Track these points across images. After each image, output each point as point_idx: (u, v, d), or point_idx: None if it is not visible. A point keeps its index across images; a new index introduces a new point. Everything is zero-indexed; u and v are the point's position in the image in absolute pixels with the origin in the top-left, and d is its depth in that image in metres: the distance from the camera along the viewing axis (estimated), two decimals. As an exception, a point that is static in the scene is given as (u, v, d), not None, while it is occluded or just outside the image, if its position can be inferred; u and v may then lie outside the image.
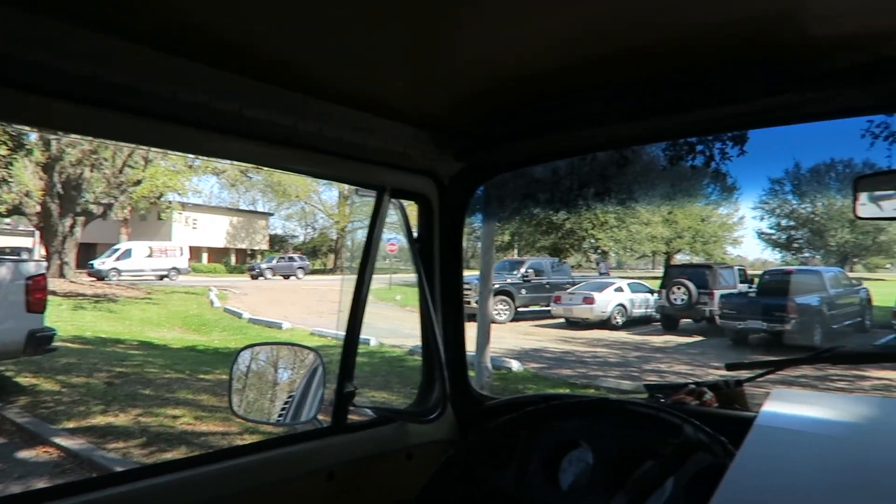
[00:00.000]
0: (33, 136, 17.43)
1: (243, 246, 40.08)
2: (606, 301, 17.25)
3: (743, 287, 16.92)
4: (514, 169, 2.11)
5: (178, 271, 29.37)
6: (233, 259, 38.97)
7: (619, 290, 17.87)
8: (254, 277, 32.02)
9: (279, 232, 44.36)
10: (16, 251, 24.09)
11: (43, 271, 8.57)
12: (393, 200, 1.91)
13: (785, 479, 1.04)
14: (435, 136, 1.78)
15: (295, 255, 36.56)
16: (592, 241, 17.80)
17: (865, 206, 1.50)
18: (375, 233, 1.82)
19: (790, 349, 12.01)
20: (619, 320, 17.26)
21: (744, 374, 1.95)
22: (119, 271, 26.86)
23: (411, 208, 2.01)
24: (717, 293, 15.79)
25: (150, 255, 28.76)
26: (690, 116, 1.55)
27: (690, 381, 1.93)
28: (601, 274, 23.69)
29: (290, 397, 1.89)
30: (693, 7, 1.08)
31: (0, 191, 17.84)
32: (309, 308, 20.25)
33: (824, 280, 15.55)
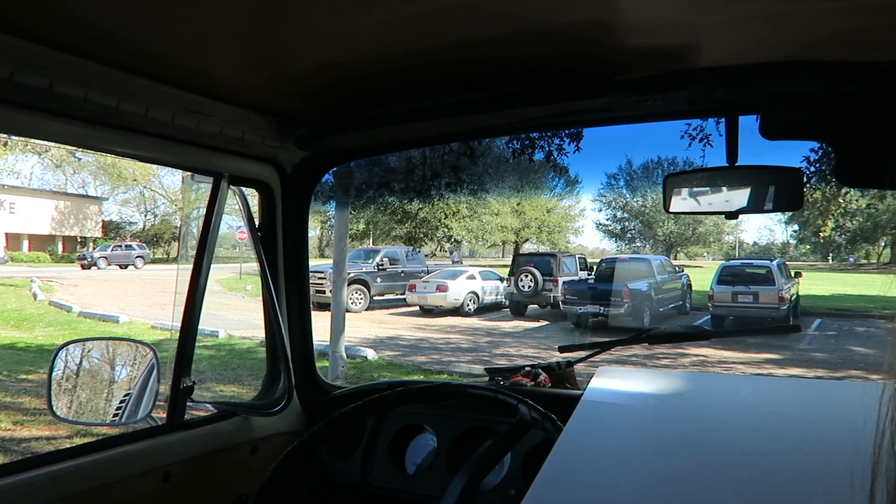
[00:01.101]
0: None
1: (72, 233, 36.57)
2: (459, 289, 17.73)
3: (583, 274, 18.11)
4: (357, 158, 2.11)
5: None
6: (60, 247, 35.45)
7: (472, 277, 18.44)
8: (85, 267, 29.31)
9: (115, 218, 40.98)
10: None
11: None
12: (234, 188, 1.84)
13: (607, 450, 1.14)
14: (276, 123, 1.73)
15: (133, 244, 33.96)
16: (446, 230, 18.22)
17: (674, 201, 1.66)
18: (213, 220, 1.75)
19: (622, 331, 13.04)
20: (472, 307, 17.83)
21: (574, 355, 2.10)
22: None
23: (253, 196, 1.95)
24: (561, 280, 16.78)
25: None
26: (514, 114, 1.64)
27: (527, 363, 2.05)
28: (454, 262, 24.30)
29: (123, 396, 1.77)
30: (518, 9, 1.13)
31: None
32: (150, 300, 18.94)
33: (653, 267, 17.05)
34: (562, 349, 2.13)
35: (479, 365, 10.76)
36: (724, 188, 1.61)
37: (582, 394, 1.38)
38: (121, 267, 30.52)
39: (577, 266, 18.65)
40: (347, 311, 11.28)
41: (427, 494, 1.79)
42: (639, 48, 1.33)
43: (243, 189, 1.88)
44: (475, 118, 1.70)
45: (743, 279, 14.95)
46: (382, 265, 19.20)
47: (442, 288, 17.50)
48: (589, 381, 1.49)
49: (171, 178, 39.47)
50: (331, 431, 1.62)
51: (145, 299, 18.99)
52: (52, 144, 22.09)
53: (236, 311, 16.82)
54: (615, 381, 1.53)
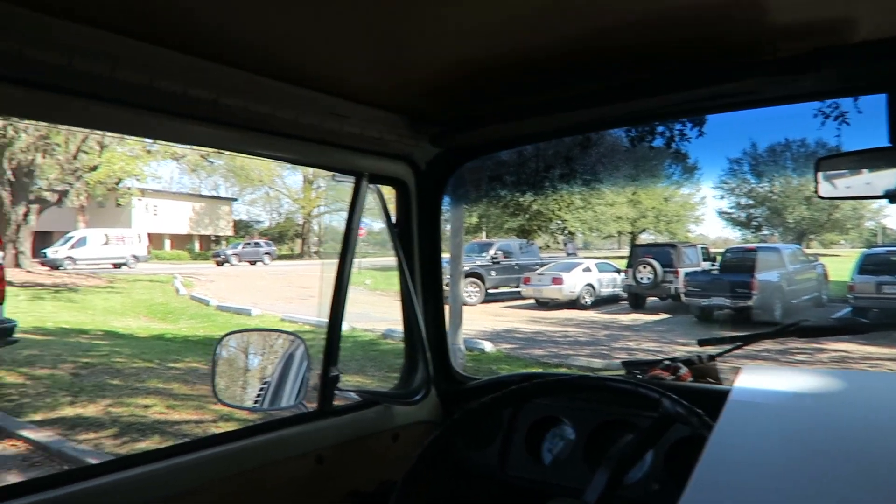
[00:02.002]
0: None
1: (207, 232, 39.39)
2: (575, 281, 17.47)
3: (706, 265, 17.29)
4: (489, 152, 2.13)
5: (137, 259, 28.56)
6: (197, 245, 38.29)
7: (587, 270, 18.11)
8: (219, 264, 31.39)
9: (244, 217, 43.72)
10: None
11: (0, 262, 8.35)
12: (370, 186, 1.92)
13: (761, 452, 1.10)
14: (411, 121, 1.79)
15: (261, 241, 36.01)
16: (559, 222, 17.99)
17: (826, 186, 1.56)
18: (354, 218, 1.84)
19: (752, 324, 12.36)
20: (588, 300, 17.51)
21: (714, 349, 2.03)
22: (74, 260, 25.96)
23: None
24: (682, 271, 16.11)
25: (106, 243, 27.85)
26: (655, 101, 1.59)
27: (665, 357, 2.00)
28: (569, 255, 23.98)
29: (273, 382, 1.90)
30: None
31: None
32: (277, 294, 20.08)
33: (783, 256, 15.98)
34: (702, 342, 2.05)
35: (598, 359, 10.58)
36: (885, 170, 1.50)
37: (728, 390, 1.33)
38: (250, 263, 32.43)
39: (699, 256, 17.83)
40: (463, 304, 11.44)
41: (565, 486, 1.79)
42: (786, 25, 1.26)
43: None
44: (608, 108, 1.67)
45: (889, 268, 13.69)
46: (496, 258, 19.26)
47: (557, 280, 17.32)
48: (732, 377, 1.44)
49: (293, 178, 41.55)
50: (469, 421, 1.66)
51: (273, 293, 20.13)
52: (196, 148, 23.87)
53: (357, 305, 17.49)
54: (762, 379, 1.46)
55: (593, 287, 17.82)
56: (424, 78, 1.55)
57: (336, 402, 1.87)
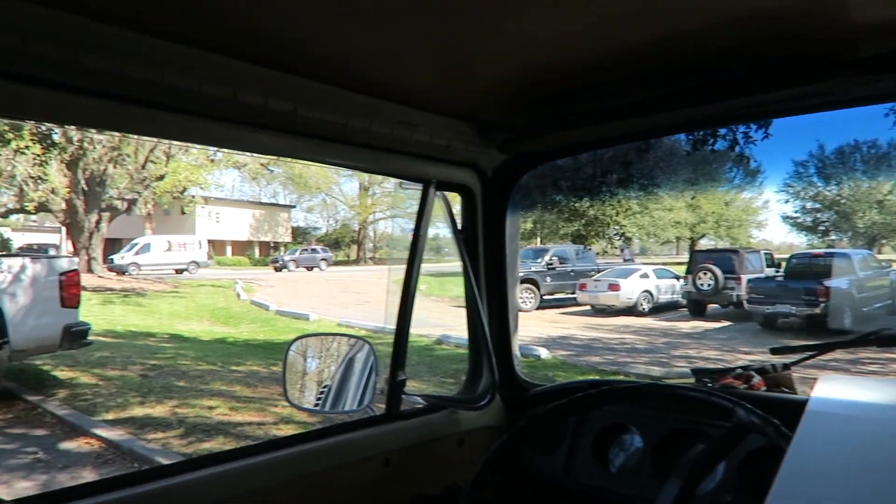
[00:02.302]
0: (57, 134, 17.69)
1: (267, 238, 40.39)
2: (632, 287, 17.17)
3: (770, 271, 16.72)
4: (557, 158, 2.12)
5: (198, 265, 29.35)
6: (256, 252, 39.31)
7: (645, 276, 17.77)
8: (277, 269, 32.10)
9: (301, 224, 44.67)
10: (43, 248, 24.51)
11: (76, 267, 8.77)
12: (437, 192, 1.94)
13: (844, 466, 1.06)
14: (478, 128, 1.81)
15: (317, 247, 36.65)
16: (616, 227, 17.70)
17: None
18: (422, 225, 1.86)
19: (820, 333, 11.88)
20: (646, 306, 17.18)
21: (788, 357, 1.97)
22: (139, 265, 26.89)
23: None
24: (744, 278, 15.62)
25: (168, 249, 28.74)
26: (727, 105, 1.56)
27: (737, 365, 1.95)
28: (626, 260, 23.56)
29: (341, 385, 1.94)
30: None
31: (28, 188, 18.16)
32: (334, 299, 20.41)
33: (853, 262, 15.30)
34: (774, 351, 2.00)
35: (656, 367, 10.36)
36: None
37: (805, 400, 1.29)
38: (307, 269, 33.04)
39: (762, 262, 17.26)
40: (518, 310, 11.37)
41: (633, 495, 1.77)
42: (868, 23, 1.22)
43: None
44: (679, 112, 1.65)
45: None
46: (552, 264, 19.09)
47: (614, 287, 17.05)
48: (807, 387, 1.40)
49: (349, 185, 42.21)
50: (536, 428, 1.66)
51: (330, 299, 20.47)
52: (257, 157, 24.54)
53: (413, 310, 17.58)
54: (841, 389, 1.41)
55: (651, 294, 17.47)
56: (493, 86, 1.57)
57: (402, 407, 1.89)
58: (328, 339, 2.09)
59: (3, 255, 10.05)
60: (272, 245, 40.48)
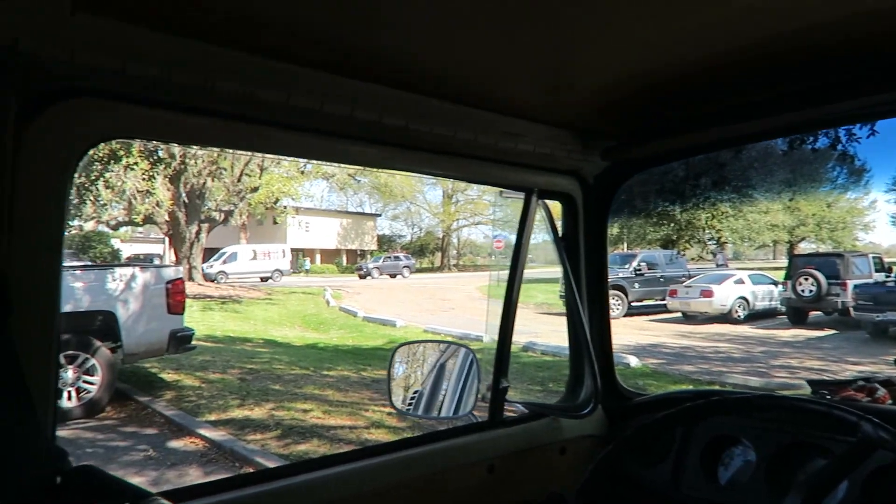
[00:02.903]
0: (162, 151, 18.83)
1: (353, 246, 41.43)
2: (726, 294, 16.49)
3: (879, 276, 15.65)
4: (658, 165, 2.09)
5: (281, 273, 30.11)
6: (344, 259, 40.40)
7: (740, 282, 17.03)
8: (361, 277, 32.70)
9: (387, 232, 45.55)
10: (149, 258, 26.07)
11: (181, 275, 9.30)
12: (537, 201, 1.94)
13: None
14: (580, 136, 1.80)
15: (400, 254, 37.18)
16: (708, 231, 17.09)
17: None
18: (525, 233, 1.87)
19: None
20: (741, 314, 16.46)
21: None
22: (226, 274, 27.91)
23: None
24: (850, 283, 14.71)
25: (254, 258, 29.70)
26: (832, 108, 1.49)
27: (858, 376, 1.85)
28: (718, 266, 22.65)
29: (445, 391, 1.97)
30: None
31: (136, 202, 19.44)
32: (419, 306, 20.68)
33: (976, 265, 14.14)
34: None
35: (754, 377, 9.91)
36: None
37: None
38: (390, 276, 33.51)
39: (870, 267, 16.17)
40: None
41: None
42: None
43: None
44: (783, 117, 1.59)
45: None
46: (640, 270, 18.62)
47: (706, 293, 16.43)
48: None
49: (433, 194, 42.73)
50: (642, 437, 1.63)
51: (416, 306, 20.75)
52: (344, 167, 25.28)
53: (496, 317, 17.54)
54: None
55: (747, 300, 16.71)
56: (595, 93, 1.56)
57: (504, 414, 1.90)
58: (431, 346, 2.12)
59: (117, 265, 10.77)
60: (359, 253, 41.49)
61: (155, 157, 15.65)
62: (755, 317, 16.59)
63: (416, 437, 1.74)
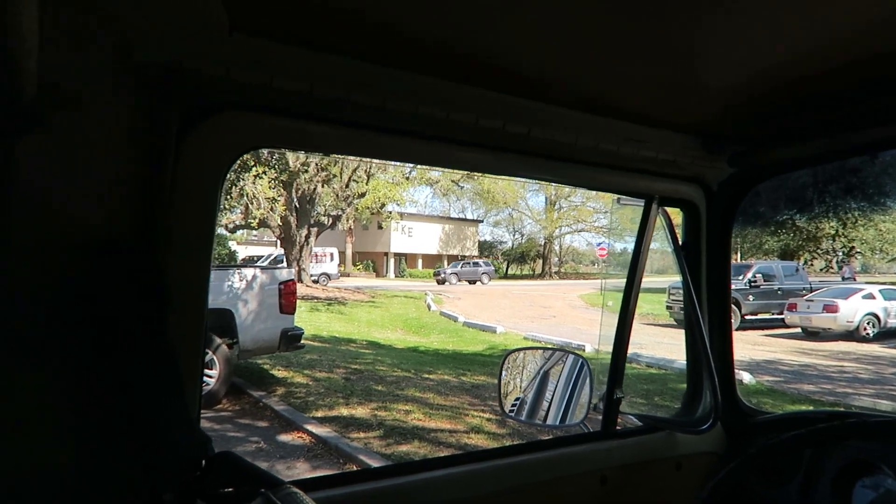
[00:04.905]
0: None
1: (455, 252, 41.83)
2: (853, 309, 15.28)
3: None
4: (789, 171, 1.96)
5: (329, 277, 30.34)
6: (445, 264, 40.87)
7: (870, 297, 15.73)
8: (439, 282, 32.62)
9: (488, 238, 45.65)
10: (277, 259, 27.33)
11: (293, 277, 9.72)
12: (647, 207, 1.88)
13: None
14: (706, 142, 1.73)
15: (480, 260, 36.82)
16: (834, 242, 15.94)
17: None
18: (644, 241, 1.81)
19: None
20: (870, 331, 15.20)
21: None
22: (328, 276, 28.38)
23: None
24: None
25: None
26: None
27: None
28: (845, 279, 21.08)
29: (556, 399, 1.93)
30: None
31: (252, 206, 20.53)
32: (520, 313, 20.56)
33: None
34: None
35: (885, 400, 9.12)
36: None
37: None
38: (469, 282, 33.25)
39: None
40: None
41: None
42: None
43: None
44: None
45: None
46: (755, 282, 17.62)
47: (831, 308, 15.30)
48: None
49: (535, 200, 42.43)
50: (768, 457, 1.53)
51: (516, 313, 20.65)
52: (446, 173, 25.66)
53: (601, 327, 17.19)
54: None
55: (877, 317, 15.41)
56: (721, 96, 1.49)
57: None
58: (541, 353, 2.10)
59: (237, 266, 11.40)
60: (460, 258, 41.84)
61: (282, 166, 16.40)
62: (887, 335, 15.27)
63: (528, 443, 1.72)
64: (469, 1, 1.01)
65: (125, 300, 0.98)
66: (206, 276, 1.13)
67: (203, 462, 1.00)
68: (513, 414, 1.93)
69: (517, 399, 1.96)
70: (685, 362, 2.06)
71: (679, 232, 1.97)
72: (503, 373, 1.94)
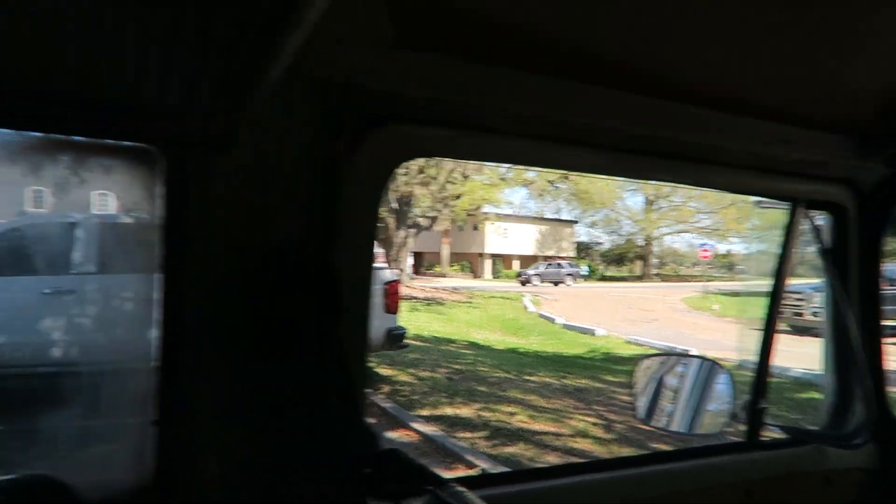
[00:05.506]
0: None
1: (550, 253, 41.34)
2: None
3: None
4: None
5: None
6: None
7: None
8: (523, 283, 32.11)
9: (584, 239, 44.85)
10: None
11: (397, 277, 9.98)
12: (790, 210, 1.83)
13: None
14: (858, 142, 1.66)
15: (563, 262, 36.03)
16: None
17: None
18: (789, 246, 1.77)
19: None
20: None
21: None
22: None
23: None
24: None
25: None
26: None
27: None
28: None
29: (694, 407, 1.91)
30: None
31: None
32: (620, 316, 20.10)
33: None
34: None
35: None
36: None
37: None
38: (553, 284, 32.54)
39: None
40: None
41: None
42: None
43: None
44: None
45: None
46: None
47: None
48: None
49: (634, 200, 41.28)
50: None
51: (615, 315, 20.20)
52: (542, 173, 25.47)
53: (706, 331, 16.56)
54: None
55: None
56: (877, 96, 1.43)
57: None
58: (675, 360, 2.08)
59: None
60: (547, 259, 41.29)
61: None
62: None
63: (668, 452, 1.72)
64: (626, 11, 1.03)
65: (303, 300, 1.07)
66: (370, 279, 1.21)
67: (372, 458, 1.07)
68: (649, 420, 1.92)
69: (652, 405, 1.95)
70: (820, 372, 1.98)
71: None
72: (638, 378, 1.94)
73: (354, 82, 1.09)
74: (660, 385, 1.95)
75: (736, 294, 25.34)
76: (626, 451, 6.78)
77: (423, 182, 23.16)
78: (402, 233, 23.90)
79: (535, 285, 31.93)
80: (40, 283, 5.82)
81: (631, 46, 1.17)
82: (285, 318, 1.04)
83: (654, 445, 6.86)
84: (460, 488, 0.99)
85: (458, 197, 24.22)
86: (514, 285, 31.03)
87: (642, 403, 1.93)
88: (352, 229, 1.17)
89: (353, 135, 1.15)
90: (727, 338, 14.95)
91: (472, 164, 22.19)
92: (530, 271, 34.72)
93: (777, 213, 1.91)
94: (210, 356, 0.99)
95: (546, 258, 40.32)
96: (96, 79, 0.80)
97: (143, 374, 0.97)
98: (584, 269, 36.47)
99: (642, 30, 1.11)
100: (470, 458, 6.33)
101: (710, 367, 1.92)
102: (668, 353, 2.17)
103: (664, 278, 40.34)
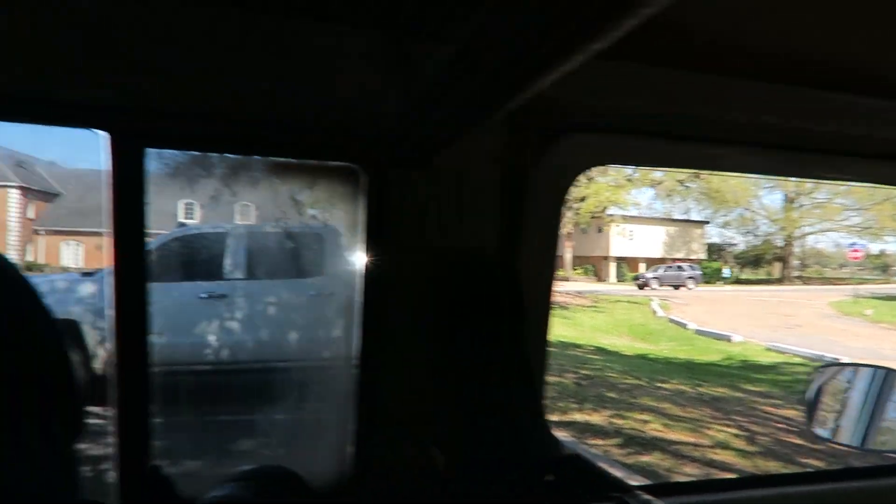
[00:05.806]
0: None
1: (679, 255, 39.60)
2: None
3: None
4: None
5: None
6: (669, 269, 38.90)
7: None
8: (640, 287, 30.68)
9: (716, 240, 42.57)
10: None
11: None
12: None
13: None
14: None
15: (684, 265, 34.02)
16: None
17: None
18: None
19: None
20: None
21: None
22: None
23: None
24: None
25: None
26: None
27: None
28: None
29: (864, 421, 1.78)
30: None
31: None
32: (757, 320, 18.90)
33: None
34: None
35: None
36: None
37: None
38: (674, 287, 30.90)
39: None
40: None
41: None
42: None
43: None
44: None
45: None
46: None
47: None
48: None
49: (771, 198, 38.69)
50: None
51: (752, 320, 19.02)
52: (670, 174, 24.54)
53: (857, 339, 15.26)
54: None
55: None
56: None
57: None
58: (856, 370, 1.94)
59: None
60: (669, 262, 39.54)
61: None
62: None
63: (843, 469, 1.61)
64: (817, 9, 0.98)
65: (491, 305, 1.11)
66: (551, 285, 1.23)
67: (554, 463, 1.08)
68: (823, 433, 1.81)
69: (830, 418, 1.83)
70: None
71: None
72: (812, 389, 1.83)
73: (540, 94, 1.11)
74: (839, 397, 1.83)
75: (893, 298, 23.17)
76: (773, 466, 6.39)
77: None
78: (524, 236, 23.84)
79: (652, 289, 30.25)
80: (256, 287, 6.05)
81: (827, 45, 1.11)
82: (474, 322, 1.08)
83: (803, 461, 6.43)
84: (647, 496, 0.98)
85: (582, 199, 23.82)
86: (636, 289, 30.01)
87: (818, 415, 1.82)
88: (536, 236, 1.20)
89: (538, 145, 1.18)
90: (883, 346, 13.72)
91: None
92: (648, 274, 33.17)
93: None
94: (406, 356, 1.05)
95: (674, 261, 38.69)
96: (313, 108, 0.88)
97: (345, 372, 1.05)
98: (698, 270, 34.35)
99: (845, 26, 1.05)
100: (603, 466, 6.20)
101: (887, 377, 1.78)
102: (847, 364, 2.00)
103: (806, 281, 37.43)
